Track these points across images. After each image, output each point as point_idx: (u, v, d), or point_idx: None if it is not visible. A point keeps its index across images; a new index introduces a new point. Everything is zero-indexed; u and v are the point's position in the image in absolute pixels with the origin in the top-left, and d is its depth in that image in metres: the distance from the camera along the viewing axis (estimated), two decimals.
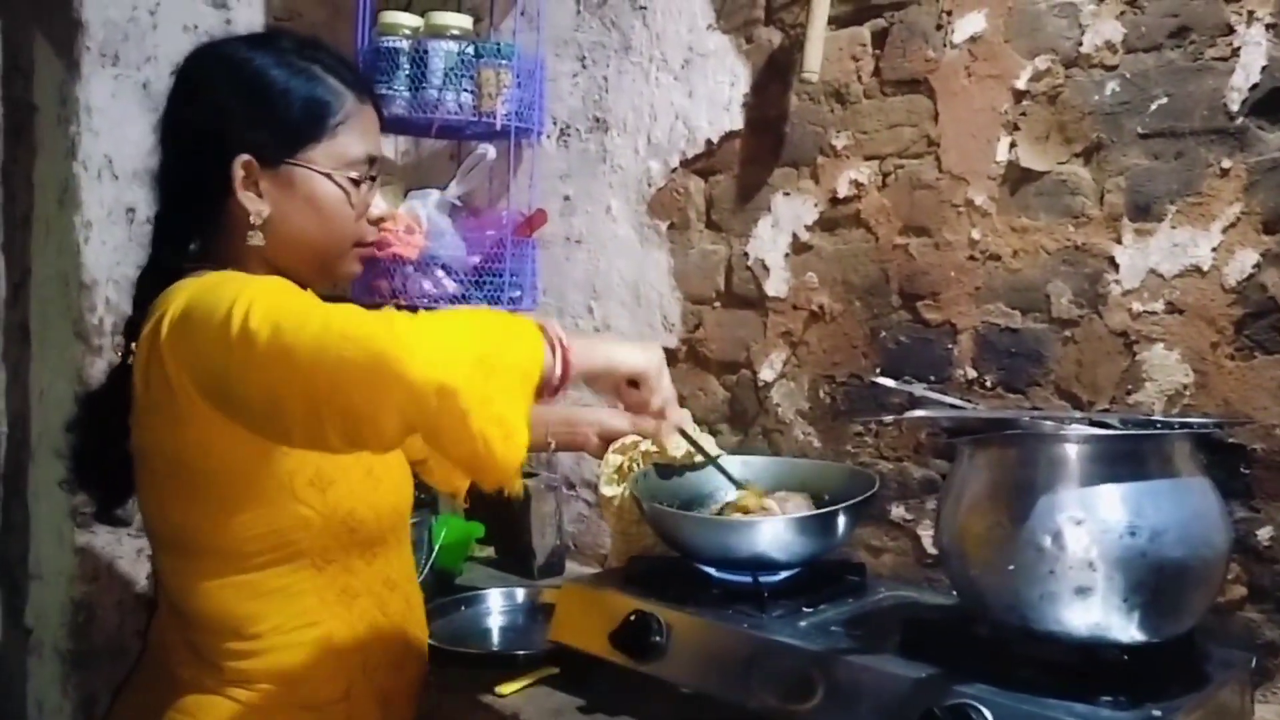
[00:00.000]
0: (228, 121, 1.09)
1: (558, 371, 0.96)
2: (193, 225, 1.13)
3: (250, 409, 0.93)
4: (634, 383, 1.10)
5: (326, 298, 0.99)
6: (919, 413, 1.14)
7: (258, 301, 0.91)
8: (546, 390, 0.95)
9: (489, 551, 1.96)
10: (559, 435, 1.47)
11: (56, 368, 1.98)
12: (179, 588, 1.12)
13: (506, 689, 1.35)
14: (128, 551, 1.97)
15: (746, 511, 1.35)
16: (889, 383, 1.28)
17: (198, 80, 1.13)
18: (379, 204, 1.18)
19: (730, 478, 1.41)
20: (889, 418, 1.49)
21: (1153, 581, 1.02)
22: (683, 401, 1.80)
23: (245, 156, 1.09)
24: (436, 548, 1.69)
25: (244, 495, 1.06)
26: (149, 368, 1.02)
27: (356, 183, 1.14)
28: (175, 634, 1.14)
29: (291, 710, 1.12)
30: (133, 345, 1.08)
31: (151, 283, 1.10)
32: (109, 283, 1.91)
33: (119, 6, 1.90)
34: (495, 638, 1.61)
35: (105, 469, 1.16)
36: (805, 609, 1.29)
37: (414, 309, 0.95)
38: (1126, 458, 1.05)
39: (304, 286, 1.19)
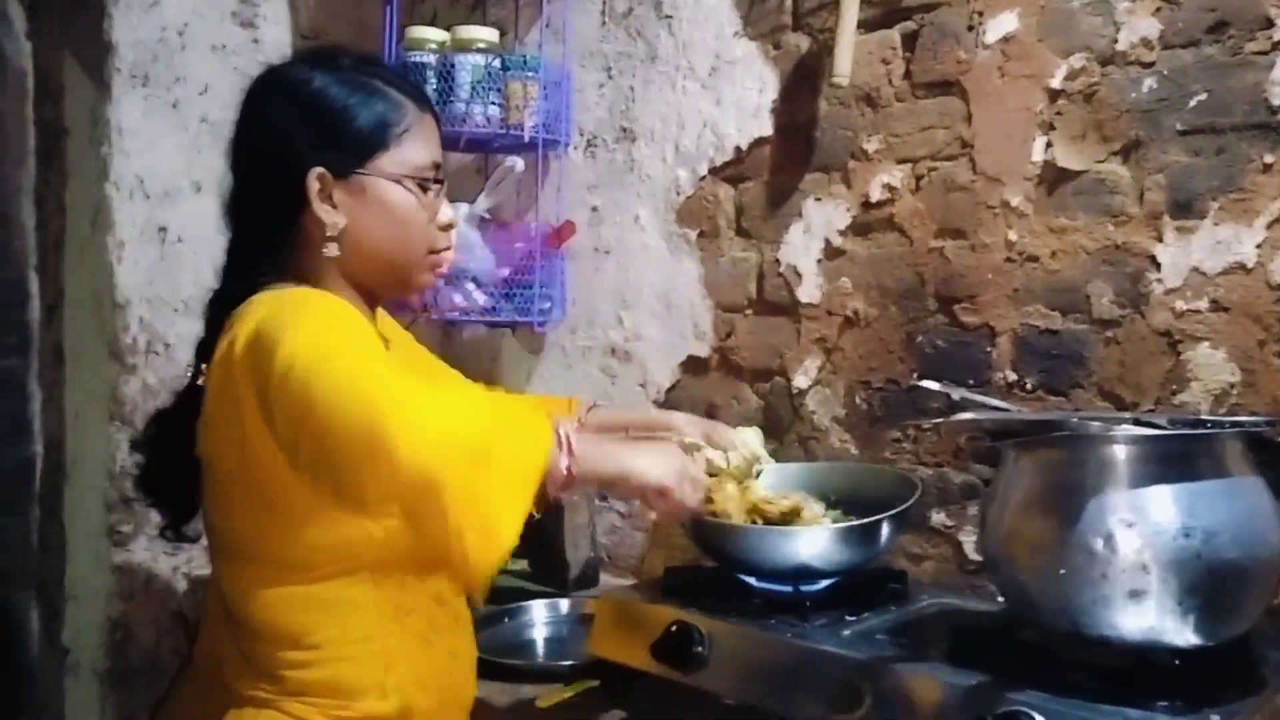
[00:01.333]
0: (297, 139, 1.13)
1: (563, 476, 0.98)
2: (267, 245, 1.15)
3: (279, 436, 0.99)
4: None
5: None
6: (966, 416, 1.13)
7: (303, 338, 0.96)
8: (551, 490, 0.97)
9: (522, 564, 1.95)
10: (640, 439, 1.48)
11: (91, 388, 1.98)
12: (239, 597, 1.12)
13: (546, 702, 1.34)
14: (164, 569, 1.97)
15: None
16: (932, 385, 1.27)
17: (264, 103, 1.17)
18: (446, 211, 1.21)
19: None
20: (934, 421, 1.47)
21: (1208, 584, 1.00)
22: (716, 411, 1.80)
23: (319, 169, 1.12)
24: None
25: (310, 508, 1.06)
26: (223, 382, 1.04)
27: (424, 188, 1.16)
28: (230, 645, 1.13)
29: None
30: (203, 366, 1.10)
31: (224, 305, 1.12)
32: (142, 302, 1.91)
33: (148, 28, 1.90)
34: (540, 649, 1.60)
35: (174, 485, 1.19)
36: (848, 617, 1.27)
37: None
38: (1177, 458, 1.04)
39: (380, 299, 1.23)
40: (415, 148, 1.16)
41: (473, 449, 0.89)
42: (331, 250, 1.13)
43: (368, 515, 1.02)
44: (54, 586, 2.09)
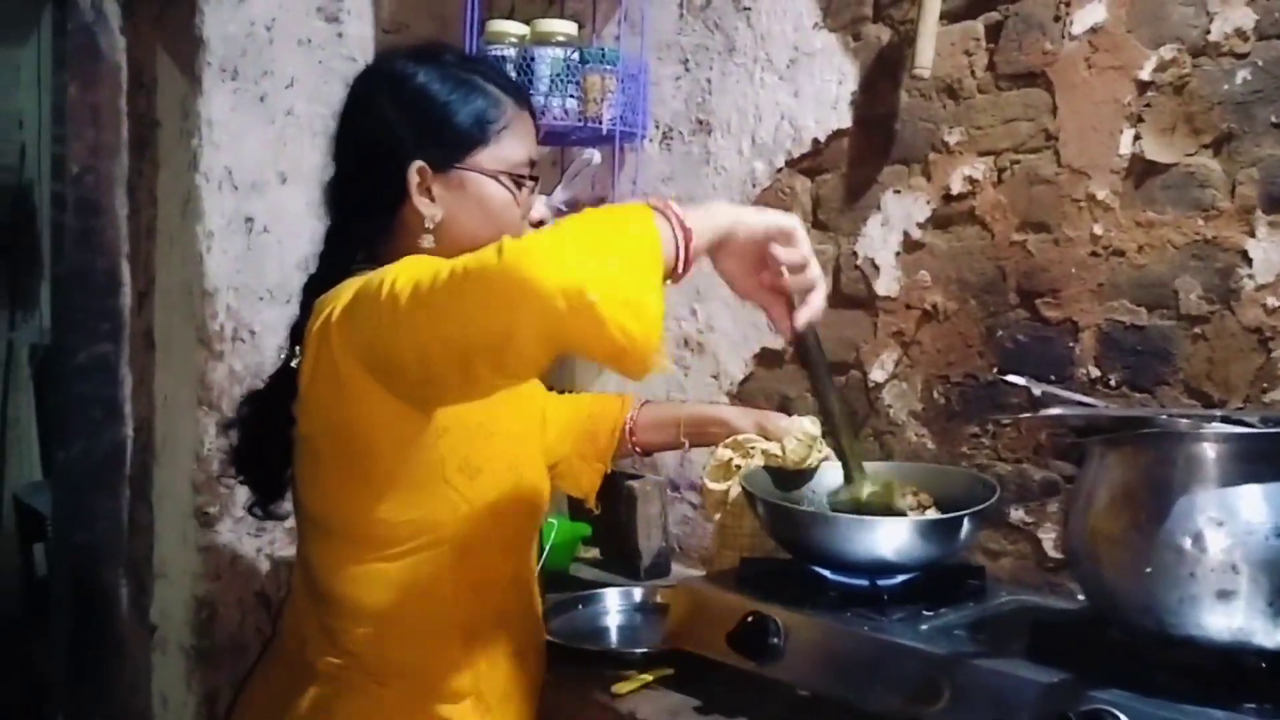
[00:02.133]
0: (400, 132, 1.16)
1: (682, 245, 0.93)
2: (363, 233, 1.18)
3: (405, 371, 0.96)
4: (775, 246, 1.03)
5: None
6: (1053, 411, 1.12)
7: (403, 271, 0.95)
8: (675, 267, 0.93)
9: (594, 553, 1.97)
10: (691, 434, 1.50)
11: (180, 373, 2.05)
12: (325, 572, 1.16)
13: (623, 688, 1.35)
14: (248, 551, 2.03)
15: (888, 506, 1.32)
16: (1017, 380, 1.25)
17: (369, 96, 1.20)
18: (539, 207, 1.23)
19: (849, 471, 1.35)
20: (1019, 417, 1.45)
21: None
22: (790, 404, 1.80)
23: (419, 163, 1.15)
24: (547, 548, 1.70)
25: (400, 476, 1.09)
26: (318, 355, 1.06)
27: (519, 185, 1.19)
28: (313, 621, 1.17)
29: (422, 702, 1.15)
30: (297, 348, 1.13)
31: (318, 289, 1.15)
32: (229, 290, 1.97)
33: (237, 23, 1.96)
34: (613, 636, 1.62)
35: (265, 464, 1.23)
36: (925, 612, 1.26)
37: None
38: (1269, 457, 1.01)
39: None
40: (513, 145, 1.19)
41: (588, 247, 0.87)
42: (428, 241, 1.15)
43: (531, 373, 0.96)
44: (143, 565, 2.16)
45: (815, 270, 1.06)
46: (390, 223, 1.17)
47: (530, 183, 1.21)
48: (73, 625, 2.19)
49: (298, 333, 1.16)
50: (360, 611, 1.13)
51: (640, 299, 0.86)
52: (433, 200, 1.16)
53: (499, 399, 1.08)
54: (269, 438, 1.20)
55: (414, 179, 1.15)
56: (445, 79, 1.17)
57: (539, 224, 1.23)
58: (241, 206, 1.99)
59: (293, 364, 1.14)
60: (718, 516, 1.64)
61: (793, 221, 1.04)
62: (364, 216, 1.18)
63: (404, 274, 0.95)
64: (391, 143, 1.16)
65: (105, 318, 2.16)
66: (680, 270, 0.94)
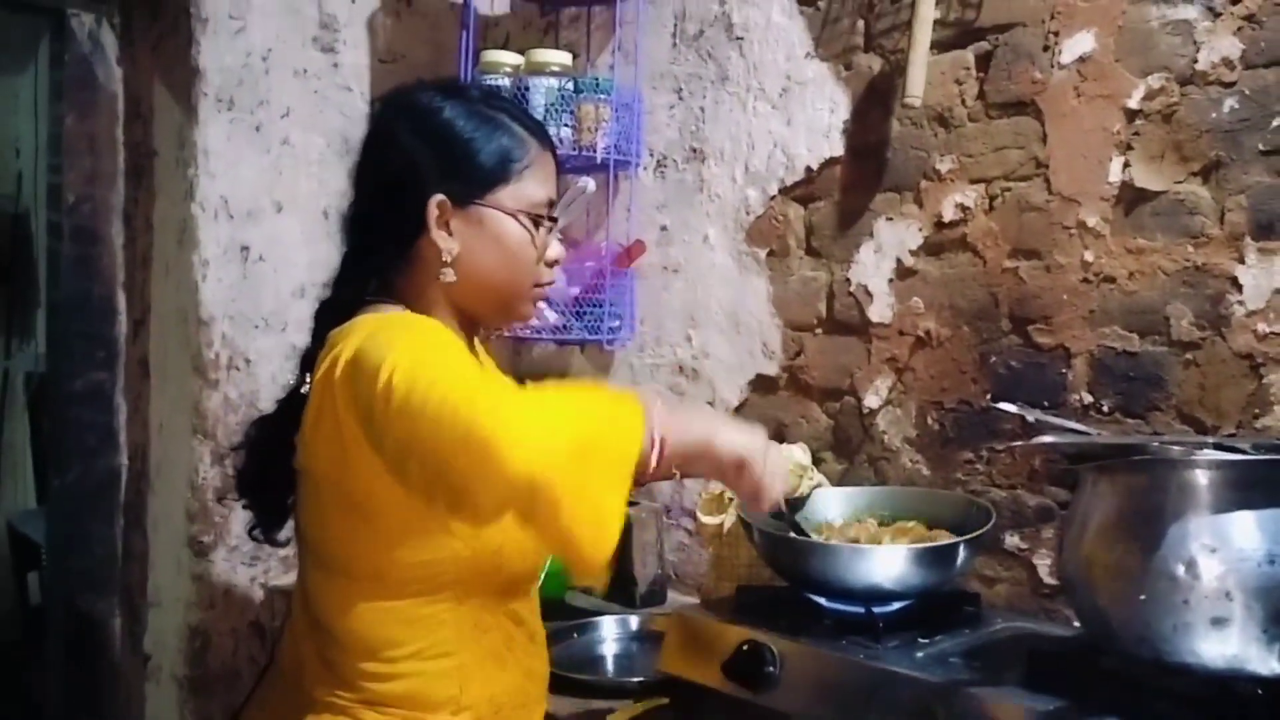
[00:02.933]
0: (423, 165, 1.16)
1: (655, 453, 0.99)
2: (379, 263, 1.19)
3: (386, 455, 1.00)
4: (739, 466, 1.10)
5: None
6: (1046, 439, 1.13)
7: (404, 359, 0.97)
8: (643, 471, 0.98)
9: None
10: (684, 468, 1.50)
11: (175, 401, 2.04)
12: (327, 606, 1.15)
13: (618, 718, 1.35)
14: (242, 580, 2.02)
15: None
16: (1009, 408, 1.26)
17: (393, 127, 1.20)
18: (555, 247, 1.23)
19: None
20: (1011, 444, 1.46)
21: None
22: (785, 430, 1.81)
23: (440, 196, 1.15)
24: (542, 576, 1.70)
25: (404, 527, 1.09)
26: (323, 400, 1.07)
27: (538, 224, 1.19)
28: (312, 651, 1.16)
29: None
30: (307, 376, 1.13)
31: (330, 317, 1.16)
32: (225, 318, 1.97)
33: (234, 53, 1.97)
34: (610, 665, 1.61)
35: (270, 490, 1.22)
36: (921, 639, 1.27)
37: (521, 379, 1.01)
38: (1262, 483, 1.02)
39: (480, 325, 1.26)
40: (534, 184, 1.18)
41: (574, 445, 0.91)
42: (448, 276, 1.15)
43: (482, 524, 1.03)
44: (137, 593, 2.15)
45: (770, 496, 1.11)
46: (407, 254, 1.17)
47: (549, 223, 1.21)
48: (67, 653, 2.18)
49: (309, 359, 1.16)
50: (360, 645, 1.13)
51: (604, 514, 0.92)
52: (450, 235, 1.16)
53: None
54: (274, 463, 1.19)
55: (433, 213, 1.15)
56: (471, 114, 1.17)
57: (554, 263, 1.23)
58: (237, 235, 1.99)
59: (302, 390, 1.14)
60: (712, 549, 1.64)
61: (755, 452, 1.07)
62: (381, 246, 1.18)
63: (405, 363, 0.96)
64: (413, 175, 1.16)
65: (101, 345, 2.16)
66: (643, 478, 0.99)
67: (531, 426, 0.90)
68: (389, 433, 0.97)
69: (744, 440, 1.08)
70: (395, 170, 1.17)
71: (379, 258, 1.18)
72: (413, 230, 1.16)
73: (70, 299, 2.15)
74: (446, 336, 1.10)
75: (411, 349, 1.00)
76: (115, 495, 2.18)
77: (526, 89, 1.91)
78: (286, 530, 1.26)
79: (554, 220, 1.22)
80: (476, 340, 1.30)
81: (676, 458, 1.03)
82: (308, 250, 2.05)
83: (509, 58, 1.96)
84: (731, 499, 1.56)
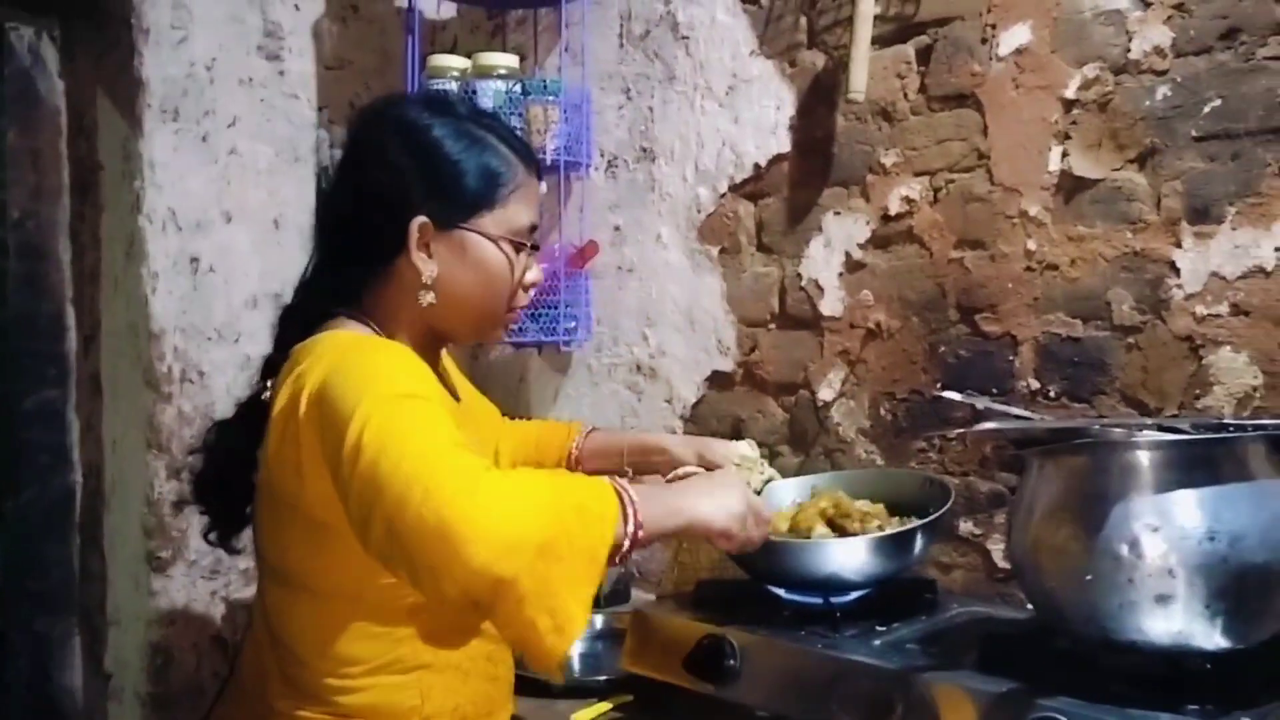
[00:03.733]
0: (408, 184, 1.14)
1: (628, 543, 0.99)
2: (351, 276, 1.17)
3: (349, 509, 0.98)
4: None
5: None
6: (989, 425, 1.14)
7: (375, 414, 0.96)
8: (613, 559, 0.98)
9: None
10: (634, 462, 1.51)
11: (128, 417, 2.02)
12: (286, 621, 1.15)
13: (582, 716, 1.36)
14: (202, 595, 2.01)
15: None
16: (954, 396, 1.28)
17: (379, 141, 1.17)
18: (535, 270, 1.23)
19: None
20: (958, 431, 1.48)
21: (1235, 587, 1.01)
22: (741, 425, 1.82)
23: (422, 219, 1.13)
24: None
25: (360, 548, 1.08)
26: (285, 430, 1.05)
27: (519, 250, 1.18)
28: (273, 664, 1.16)
29: None
30: (268, 383, 1.12)
31: (295, 325, 1.15)
32: (176, 331, 1.95)
33: (177, 64, 1.95)
34: (575, 665, 1.62)
35: (227, 497, 1.21)
36: (879, 628, 1.29)
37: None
38: (1201, 462, 1.04)
39: (450, 342, 1.25)
40: (519, 210, 1.18)
41: (543, 544, 0.90)
42: (427, 298, 1.14)
43: (439, 605, 1.02)
44: (96, 613, 2.12)
45: (757, 538, 1.15)
46: (381, 272, 1.16)
47: (530, 249, 1.20)
48: (26, 676, 2.16)
49: (271, 366, 1.15)
50: (320, 660, 1.12)
51: (569, 611, 0.92)
52: (430, 257, 1.14)
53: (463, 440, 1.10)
54: (233, 470, 1.18)
55: (415, 235, 1.13)
56: (460, 135, 1.16)
57: (530, 286, 1.23)
58: (186, 247, 1.97)
59: (263, 397, 1.13)
60: (670, 551, 1.65)
61: (738, 521, 1.10)
62: (356, 260, 1.17)
63: (373, 425, 0.95)
64: (397, 193, 1.14)
65: (51, 363, 2.13)
66: (616, 564, 1.00)
67: (499, 521, 0.89)
68: (352, 492, 0.96)
69: (723, 514, 1.09)
70: (378, 186, 1.15)
71: (352, 271, 1.17)
72: (391, 249, 1.14)
73: (18, 317, 2.12)
74: (418, 377, 1.07)
75: (382, 401, 0.98)
76: (70, 514, 2.15)
77: (474, 92, 1.90)
78: (243, 539, 1.25)
79: (536, 247, 1.21)
80: (444, 351, 1.29)
81: (652, 540, 1.02)
82: (259, 260, 2.03)
83: (456, 61, 1.95)
84: None
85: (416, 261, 1.13)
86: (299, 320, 1.17)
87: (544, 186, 1.92)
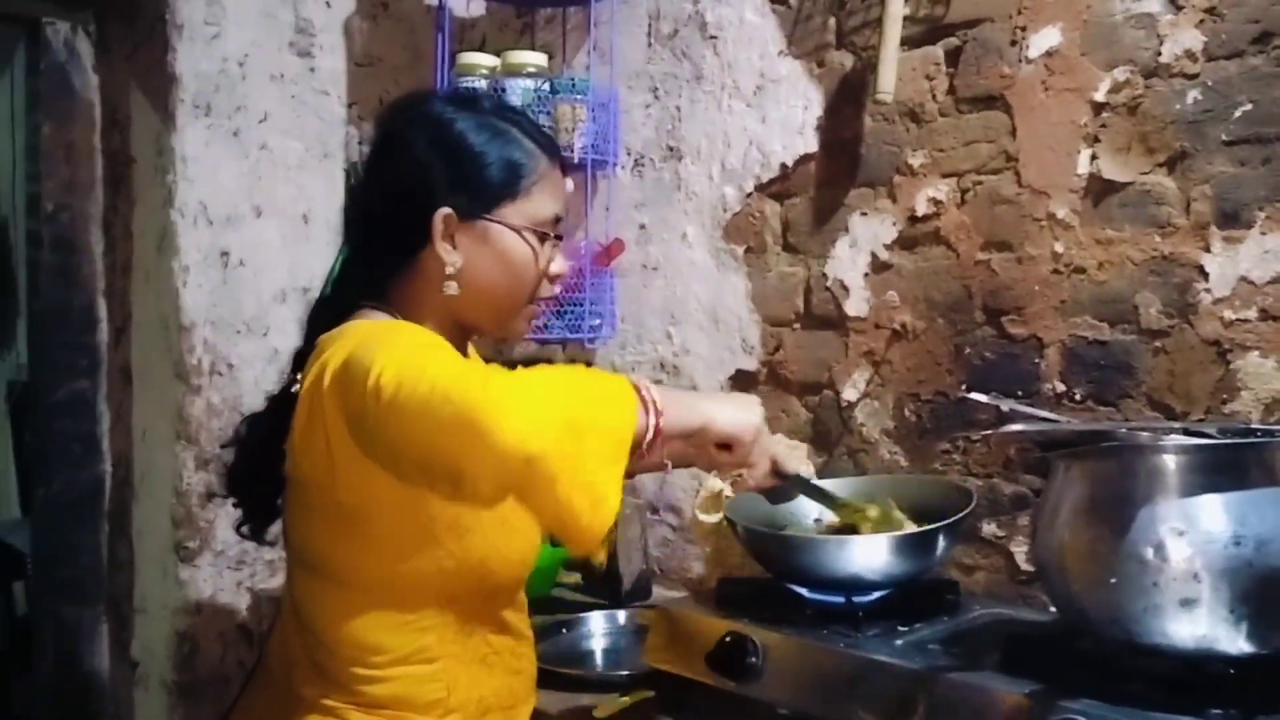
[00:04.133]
0: (432, 177, 1.15)
1: (650, 433, 0.99)
2: (378, 269, 1.19)
3: (380, 455, 1.00)
4: (727, 445, 1.12)
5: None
6: (1015, 427, 1.14)
7: (391, 360, 0.97)
8: (638, 451, 0.98)
9: (575, 577, 1.99)
10: (673, 454, 1.51)
11: (158, 408, 2.04)
12: (314, 610, 1.16)
13: (603, 712, 1.37)
14: (228, 585, 2.03)
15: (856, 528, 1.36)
16: (980, 397, 1.28)
17: (404, 136, 1.19)
18: (559, 262, 1.23)
19: (832, 502, 1.40)
20: (983, 433, 1.48)
21: (1260, 591, 1.01)
22: (766, 424, 1.82)
23: (446, 210, 1.14)
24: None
25: (389, 536, 1.10)
26: (312, 408, 1.07)
27: (543, 240, 1.19)
28: (301, 652, 1.17)
29: None
30: (298, 375, 1.14)
31: (324, 319, 1.16)
32: (206, 324, 1.97)
33: (210, 59, 1.97)
34: (598, 660, 1.63)
35: (258, 489, 1.22)
36: (900, 628, 1.29)
37: (513, 364, 1.00)
38: (1227, 467, 1.04)
39: (474, 334, 1.26)
40: (542, 201, 1.18)
41: (566, 420, 0.91)
42: (451, 289, 1.16)
43: (484, 506, 1.03)
44: (123, 601, 2.15)
45: (755, 476, 1.19)
46: (407, 264, 1.17)
47: (555, 240, 1.21)
48: (54, 663, 2.18)
49: (300, 359, 1.17)
50: (348, 649, 1.14)
51: (602, 488, 0.92)
52: (454, 248, 1.16)
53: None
54: (264, 462, 1.19)
55: (439, 226, 1.14)
56: (483, 127, 1.17)
57: (556, 278, 1.24)
58: (217, 241, 1.99)
59: (294, 389, 1.14)
60: (708, 549, 1.66)
61: (750, 430, 1.11)
62: (383, 254, 1.18)
63: (393, 363, 0.96)
64: (422, 186, 1.15)
65: (82, 354, 2.16)
66: (642, 457, 1.00)
67: (523, 402, 0.90)
68: (382, 430, 0.96)
69: (738, 419, 1.09)
70: (404, 180, 1.17)
71: (379, 265, 1.19)
72: (416, 241, 1.16)
73: (51, 308, 2.15)
74: (436, 339, 1.10)
75: (400, 350, 1.00)
76: (100, 504, 2.18)
77: (503, 90, 1.92)
78: (273, 531, 1.27)
79: (559, 237, 1.22)
80: (470, 344, 1.31)
81: (672, 435, 1.02)
82: (288, 254, 2.05)
83: (485, 60, 1.97)
84: (730, 496, 1.58)
85: (440, 252, 1.15)
86: (328, 314, 1.18)
87: (570, 183, 1.94)
